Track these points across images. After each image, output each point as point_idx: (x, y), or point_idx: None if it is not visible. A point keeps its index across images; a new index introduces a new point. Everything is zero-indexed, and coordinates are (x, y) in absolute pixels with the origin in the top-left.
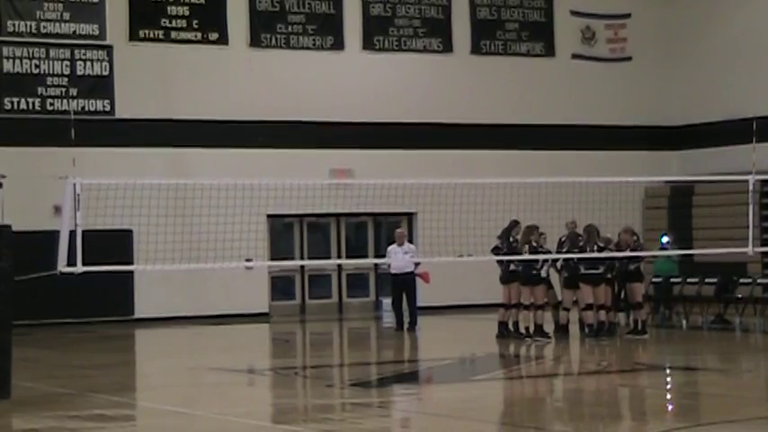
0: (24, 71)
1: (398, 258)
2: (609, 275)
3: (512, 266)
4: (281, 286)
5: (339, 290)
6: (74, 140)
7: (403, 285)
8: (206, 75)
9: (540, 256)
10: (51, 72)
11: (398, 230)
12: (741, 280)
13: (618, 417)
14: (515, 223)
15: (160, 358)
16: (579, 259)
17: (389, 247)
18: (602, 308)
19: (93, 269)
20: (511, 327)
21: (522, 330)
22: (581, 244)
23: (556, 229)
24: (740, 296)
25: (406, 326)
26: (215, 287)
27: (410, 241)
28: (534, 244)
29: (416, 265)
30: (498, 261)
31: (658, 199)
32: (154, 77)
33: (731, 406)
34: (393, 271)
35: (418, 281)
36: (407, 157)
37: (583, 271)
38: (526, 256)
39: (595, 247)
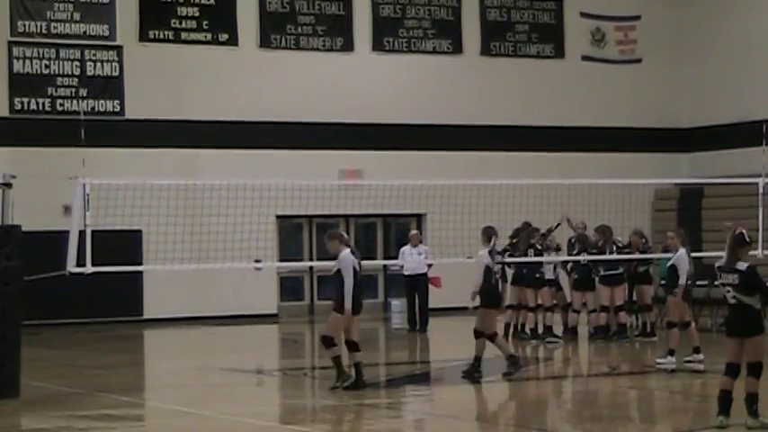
0: (34, 71)
1: (412, 260)
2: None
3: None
4: (289, 287)
5: None
6: (83, 141)
7: (415, 287)
8: (216, 76)
9: (543, 259)
10: (61, 72)
11: (413, 232)
12: None
13: (627, 419)
14: (527, 226)
15: (169, 358)
16: (595, 261)
17: (403, 248)
18: (621, 309)
19: (102, 269)
20: (527, 330)
21: (528, 332)
22: (600, 244)
23: (565, 230)
24: None
25: (417, 327)
26: (224, 288)
27: (420, 242)
28: (539, 247)
29: (429, 267)
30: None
31: (668, 201)
32: (163, 78)
33: (740, 408)
34: (406, 272)
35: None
36: (417, 158)
37: (603, 273)
38: (527, 258)
39: (614, 248)
